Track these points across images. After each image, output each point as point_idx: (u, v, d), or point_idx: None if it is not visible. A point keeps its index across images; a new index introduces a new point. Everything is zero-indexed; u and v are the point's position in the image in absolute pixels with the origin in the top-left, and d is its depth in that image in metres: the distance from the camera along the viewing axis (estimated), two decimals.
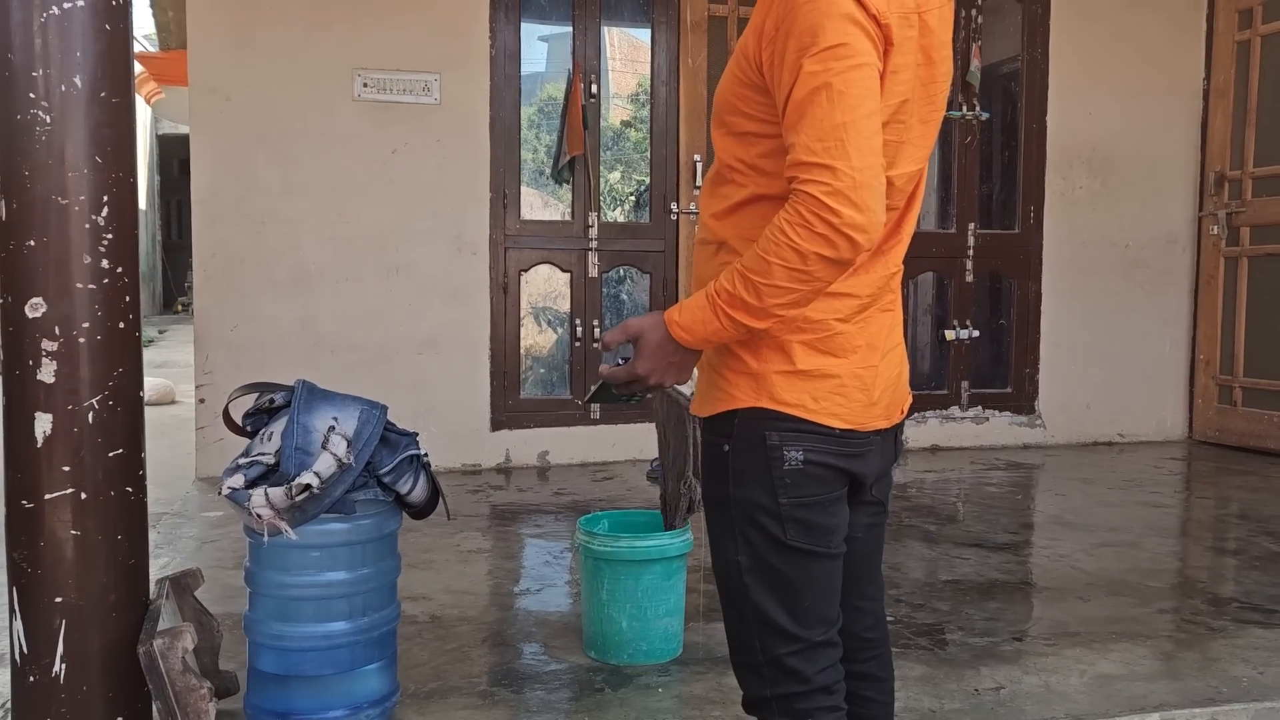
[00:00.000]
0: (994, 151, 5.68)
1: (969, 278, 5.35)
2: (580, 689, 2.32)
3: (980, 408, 5.39)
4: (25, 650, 1.81)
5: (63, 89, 1.77)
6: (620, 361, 1.43)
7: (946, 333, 5.33)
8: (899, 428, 1.50)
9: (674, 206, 4.94)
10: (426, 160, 4.62)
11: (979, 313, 5.43)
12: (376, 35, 4.52)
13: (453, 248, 4.67)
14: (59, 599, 1.80)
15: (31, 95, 1.76)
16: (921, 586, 3.07)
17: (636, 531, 2.51)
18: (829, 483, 1.38)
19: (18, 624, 1.82)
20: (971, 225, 5.33)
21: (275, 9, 4.42)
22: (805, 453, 1.35)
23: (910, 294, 5.46)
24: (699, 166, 4.85)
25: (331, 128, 4.50)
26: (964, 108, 5.24)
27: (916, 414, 5.28)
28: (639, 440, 4.85)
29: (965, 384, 5.37)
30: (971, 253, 5.34)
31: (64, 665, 1.81)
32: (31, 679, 1.81)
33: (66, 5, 1.77)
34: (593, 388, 1.50)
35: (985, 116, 5.31)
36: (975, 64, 5.19)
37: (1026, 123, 5.36)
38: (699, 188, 4.75)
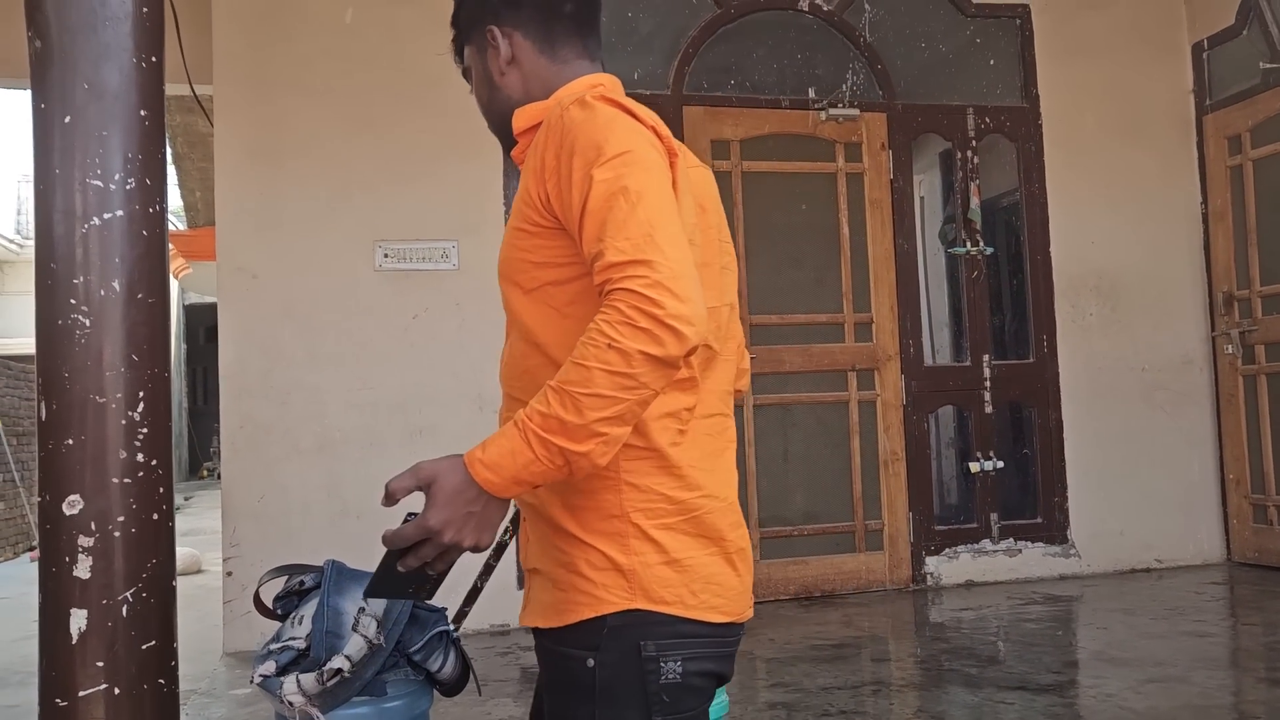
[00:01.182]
0: (1002, 284, 5.78)
1: (988, 409, 5.35)
2: None
3: (1012, 540, 5.31)
4: None
5: (102, 294, 1.85)
6: (410, 518, 1.22)
7: (971, 465, 5.30)
8: None
9: None
10: (446, 323, 4.73)
11: (1002, 443, 5.41)
12: (396, 208, 4.71)
13: (474, 407, 4.74)
14: None
15: (72, 301, 1.84)
16: None
17: None
18: (703, 694, 1.27)
19: None
20: (986, 357, 5.38)
21: (299, 188, 4.62)
22: (684, 662, 1.23)
23: (931, 428, 5.46)
24: None
25: (354, 298, 4.64)
26: (968, 244, 5.36)
27: (948, 549, 5.20)
28: None
29: (994, 516, 5.31)
30: (989, 384, 5.36)
31: None
32: None
33: (107, 215, 1.86)
34: (376, 571, 1.23)
35: (990, 251, 5.42)
36: (975, 202, 5.34)
37: (1031, 254, 5.46)
38: None
